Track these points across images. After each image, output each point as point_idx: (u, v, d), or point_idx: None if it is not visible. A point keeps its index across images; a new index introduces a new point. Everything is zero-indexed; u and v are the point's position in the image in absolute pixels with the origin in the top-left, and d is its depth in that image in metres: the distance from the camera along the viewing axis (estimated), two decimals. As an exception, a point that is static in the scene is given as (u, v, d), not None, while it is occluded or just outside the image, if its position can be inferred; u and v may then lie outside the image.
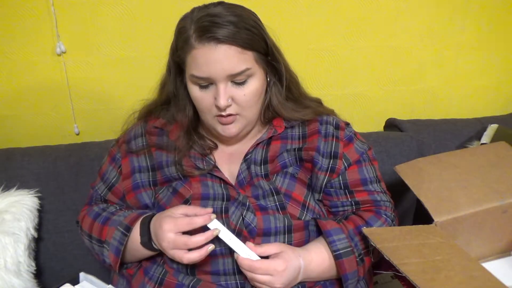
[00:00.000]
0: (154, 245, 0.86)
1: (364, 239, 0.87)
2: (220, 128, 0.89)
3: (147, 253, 0.89)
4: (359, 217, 0.91)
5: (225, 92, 0.84)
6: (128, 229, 0.87)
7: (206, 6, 0.86)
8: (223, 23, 0.81)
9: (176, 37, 0.87)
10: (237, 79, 0.84)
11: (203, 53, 0.82)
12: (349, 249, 0.85)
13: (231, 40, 0.81)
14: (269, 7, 1.37)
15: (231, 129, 0.89)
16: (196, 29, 0.82)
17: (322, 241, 0.88)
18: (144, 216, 0.88)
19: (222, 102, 0.84)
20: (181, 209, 0.83)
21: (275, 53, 0.90)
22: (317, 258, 0.86)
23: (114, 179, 0.97)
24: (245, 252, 0.81)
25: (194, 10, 0.87)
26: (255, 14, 0.89)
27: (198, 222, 0.80)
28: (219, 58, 0.81)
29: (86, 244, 0.98)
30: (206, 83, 0.85)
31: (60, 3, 1.26)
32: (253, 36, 0.84)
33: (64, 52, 1.31)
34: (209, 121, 0.90)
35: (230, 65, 0.82)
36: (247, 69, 0.84)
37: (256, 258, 0.81)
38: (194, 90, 0.87)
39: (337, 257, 0.84)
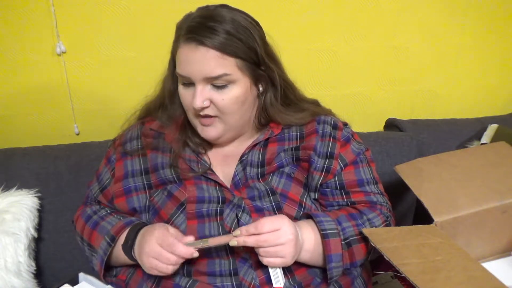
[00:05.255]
0: (132, 253, 0.85)
1: (354, 227, 0.86)
2: (200, 129, 0.91)
3: (124, 259, 0.88)
4: (353, 208, 0.91)
5: (201, 94, 0.85)
6: (113, 239, 0.87)
7: (207, 7, 0.87)
8: (209, 26, 0.82)
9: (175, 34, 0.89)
10: (215, 83, 0.85)
11: (184, 53, 0.84)
12: (335, 231, 0.84)
13: (210, 44, 0.82)
14: (269, 7, 1.37)
15: (210, 132, 0.90)
16: (185, 28, 0.84)
17: (310, 222, 0.86)
18: (137, 223, 0.87)
19: (197, 103, 0.85)
20: (176, 233, 0.82)
21: (267, 62, 0.89)
22: (307, 233, 0.84)
23: (107, 181, 0.98)
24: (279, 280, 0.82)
25: (197, 9, 0.88)
26: (253, 22, 0.89)
27: (181, 251, 0.79)
28: (197, 59, 0.83)
29: (79, 244, 0.98)
30: (188, 81, 0.86)
31: (60, 3, 1.26)
32: (236, 43, 0.84)
33: (64, 52, 1.31)
34: (192, 120, 0.92)
35: (206, 68, 0.83)
36: (225, 74, 0.84)
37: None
38: (180, 87, 0.89)
39: (324, 236, 0.83)
